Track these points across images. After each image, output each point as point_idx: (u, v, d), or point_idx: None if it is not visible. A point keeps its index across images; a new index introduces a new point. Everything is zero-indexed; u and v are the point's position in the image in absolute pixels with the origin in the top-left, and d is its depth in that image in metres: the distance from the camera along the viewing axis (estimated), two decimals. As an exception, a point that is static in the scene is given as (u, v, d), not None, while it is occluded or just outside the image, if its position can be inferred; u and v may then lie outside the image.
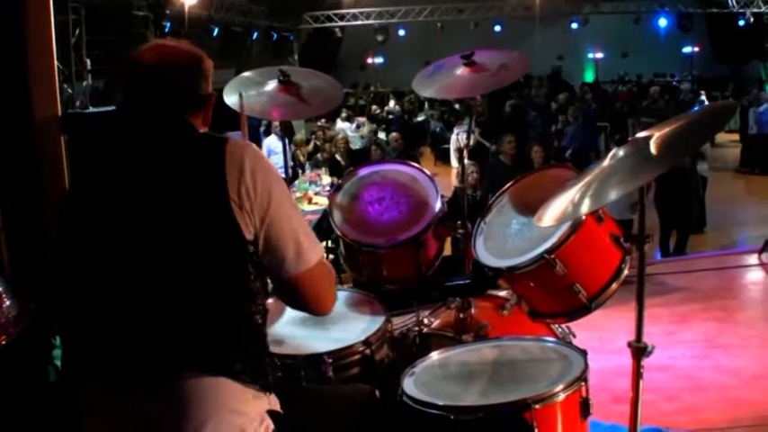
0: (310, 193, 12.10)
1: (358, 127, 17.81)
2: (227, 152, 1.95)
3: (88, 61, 10.22)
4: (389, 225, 3.19)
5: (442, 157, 16.67)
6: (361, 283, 3.32)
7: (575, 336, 3.22)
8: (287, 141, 14.35)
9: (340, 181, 3.40)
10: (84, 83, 9.96)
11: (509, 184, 3.12)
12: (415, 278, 3.25)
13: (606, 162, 2.36)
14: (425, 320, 3.24)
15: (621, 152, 2.34)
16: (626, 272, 2.82)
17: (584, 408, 2.36)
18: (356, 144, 16.29)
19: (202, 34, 16.32)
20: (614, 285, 2.79)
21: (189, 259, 1.91)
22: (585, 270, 2.75)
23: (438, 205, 3.19)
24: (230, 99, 3.23)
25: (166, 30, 13.35)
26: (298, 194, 11.84)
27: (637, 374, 2.45)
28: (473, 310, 3.20)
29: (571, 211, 2.31)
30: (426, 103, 19.81)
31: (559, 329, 3.20)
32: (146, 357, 1.91)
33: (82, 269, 2.00)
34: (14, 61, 3.45)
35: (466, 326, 3.11)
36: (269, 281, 2.10)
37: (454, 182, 8.82)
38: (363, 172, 3.40)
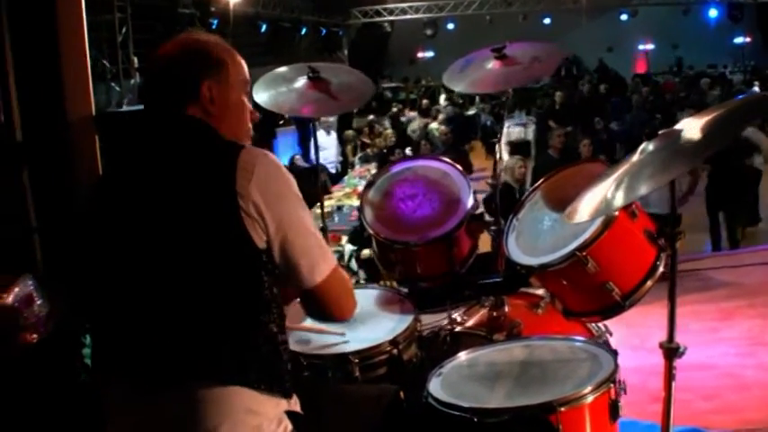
0: (359, 188, 12.08)
1: (408, 122, 17.79)
2: (239, 160, 1.92)
3: (135, 59, 10.34)
4: (421, 222, 3.15)
5: (493, 151, 16.49)
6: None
7: (611, 334, 3.13)
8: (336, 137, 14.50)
9: (371, 178, 3.36)
10: (132, 81, 10.08)
11: (541, 180, 3.05)
12: (449, 275, 3.21)
13: (636, 156, 2.29)
14: (458, 319, 3.20)
15: (651, 146, 2.27)
16: (661, 269, 2.73)
17: (614, 410, 2.30)
18: (406, 139, 16.24)
19: (250, 31, 16.40)
20: (649, 283, 2.70)
21: (198, 268, 1.89)
22: (618, 267, 2.67)
23: (470, 202, 3.13)
24: (260, 97, 3.21)
25: (213, 27, 13.45)
26: (347, 190, 11.84)
27: (669, 376, 2.37)
28: (506, 309, 3.14)
29: (603, 206, 2.25)
30: (477, 97, 19.68)
31: (596, 328, 3.12)
32: (158, 365, 1.91)
33: (97, 274, 2.01)
34: (48, 62, 3.48)
35: (498, 325, 3.06)
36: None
37: (503, 176, 8.69)
38: (395, 168, 3.37)
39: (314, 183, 11.77)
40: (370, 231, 3.17)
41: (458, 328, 3.09)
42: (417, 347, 2.85)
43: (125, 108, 3.67)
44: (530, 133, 15.76)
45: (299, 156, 15.51)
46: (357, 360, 2.63)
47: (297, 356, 2.64)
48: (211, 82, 2.04)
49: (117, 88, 9.92)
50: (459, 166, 3.28)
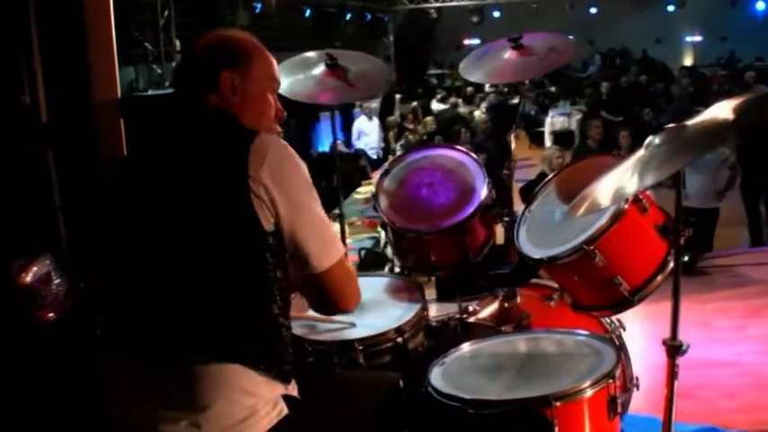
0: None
1: (440, 111, 17.69)
2: (253, 144, 1.97)
3: (177, 42, 10.43)
4: (435, 211, 3.16)
5: (537, 140, 16.41)
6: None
7: (624, 329, 3.11)
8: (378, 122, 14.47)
9: (388, 166, 3.37)
10: (174, 63, 10.17)
11: (555, 172, 3.04)
12: (462, 265, 3.21)
13: (642, 150, 2.28)
14: (471, 309, 3.20)
15: (657, 140, 2.26)
16: (672, 265, 2.70)
17: (612, 406, 2.28)
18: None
19: (294, 15, 16.43)
20: (659, 278, 2.66)
21: (205, 246, 1.94)
22: (627, 262, 2.64)
23: (484, 192, 3.12)
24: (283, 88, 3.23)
25: (257, 11, 13.52)
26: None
27: (671, 374, 2.36)
28: (518, 300, 3.13)
29: (601, 200, 2.24)
30: (523, 85, 19.45)
31: (608, 322, 3.10)
32: (160, 338, 1.97)
33: (114, 249, 2.10)
34: (74, 44, 3.54)
35: (509, 316, 3.05)
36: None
37: (541, 166, 8.58)
38: (412, 157, 3.37)
39: (353, 168, 11.84)
40: (384, 219, 3.18)
41: (469, 319, 3.08)
42: (424, 337, 2.85)
43: (150, 92, 3.69)
44: (573, 123, 15.62)
45: (340, 141, 15.58)
46: (361, 347, 2.64)
47: (301, 341, 2.67)
48: (233, 73, 2.10)
49: (158, 70, 10.02)
50: (474, 156, 3.26)
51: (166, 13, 10.01)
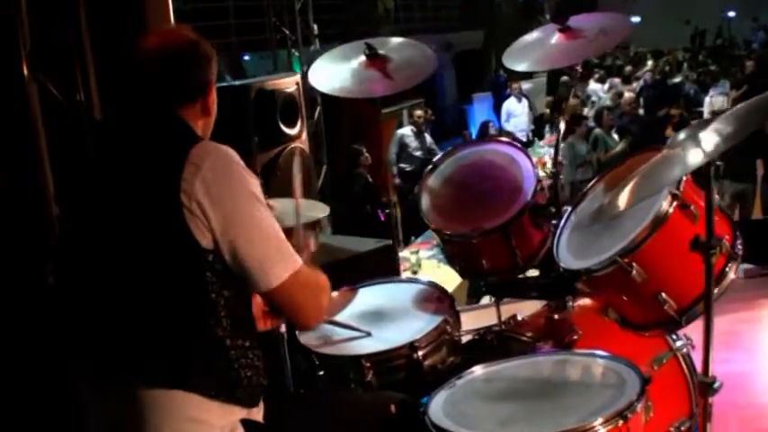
0: (546, 158, 11.71)
1: (610, 88, 16.86)
2: (189, 154, 1.83)
3: (315, 26, 10.46)
4: (478, 212, 2.88)
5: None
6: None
7: (693, 347, 2.70)
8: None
9: (436, 161, 3.12)
10: (312, 47, 10.22)
11: (607, 169, 2.68)
12: (512, 271, 2.93)
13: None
14: (519, 319, 2.91)
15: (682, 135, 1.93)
16: (732, 277, 2.30)
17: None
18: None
19: (443, -4, 16.23)
20: (715, 292, 2.28)
21: (141, 264, 1.84)
22: (672, 277, 2.28)
23: (532, 191, 2.82)
24: (315, 79, 3.07)
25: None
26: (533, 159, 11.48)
27: (704, 414, 1.99)
28: (571, 312, 2.81)
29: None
30: (685, 64, 18.27)
31: (674, 337, 2.71)
32: (106, 362, 1.89)
33: (64, 263, 2.02)
34: (128, 40, 3.51)
35: (555, 330, 2.74)
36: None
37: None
38: (462, 152, 3.11)
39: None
40: (426, 221, 2.95)
41: (510, 332, 2.80)
42: (449, 352, 2.59)
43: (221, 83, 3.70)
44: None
45: (491, 122, 15.28)
46: (369, 364, 2.43)
47: (309, 354, 2.52)
48: (213, 80, 2.03)
49: (296, 54, 10.10)
50: (527, 152, 2.95)
51: (303, -4, 10.04)
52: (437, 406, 2.18)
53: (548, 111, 15.22)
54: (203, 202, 1.79)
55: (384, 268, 3.56)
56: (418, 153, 10.96)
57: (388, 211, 7.77)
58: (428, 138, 11.90)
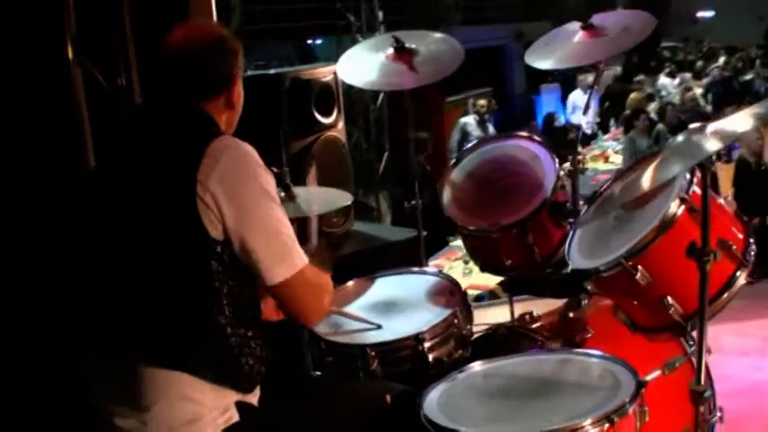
0: (609, 151, 11.53)
1: (680, 83, 16.46)
2: (209, 148, 1.90)
3: (380, 13, 10.48)
4: (497, 207, 2.89)
5: (769, 120, 14.76)
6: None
7: (709, 351, 2.66)
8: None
9: (460, 155, 3.13)
10: (376, 33, 10.24)
11: (628, 167, 2.65)
12: (532, 268, 2.93)
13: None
14: (534, 315, 2.91)
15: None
16: (742, 282, 2.26)
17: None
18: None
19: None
20: (724, 298, 2.25)
21: (151, 249, 1.92)
22: (679, 281, 2.24)
23: (551, 188, 2.81)
24: (343, 71, 3.10)
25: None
26: (595, 152, 11.29)
27: (696, 423, 1.97)
28: (586, 311, 2.80)
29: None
30: (758, 61, 17.66)
31: (692, 342, 2.66)
32: (109, 337, 1.99)
33: (79, 248, 2.11)
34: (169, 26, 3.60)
35: (567, 329, 2.73)
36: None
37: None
38: (486, 146, 3.11)
39: (562, 142, 11.43)
40: (447, 214, 2.96)
41: (519, 328, 2.80)
42: (457, 346, 2.60)
43: (249, 72, 3.72)
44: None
45: (556, 114, 15.11)
46: (374, 353, 2.47)
47: (318, 341, 2.57)
48: (238, 73, 2.08)
49: (361, 41, 10.13)
50: (549, 148, 2.93)
51: (368, -17, 10.06)
52: (434, 398, 2.20)
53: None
54: (218, 195, 1.86)
55: (411, 258, 3.58)
56: (480, 142, 10.87)
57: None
58: (491, 127, 11.86)
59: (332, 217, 4.04)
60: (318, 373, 2.66)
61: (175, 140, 1.98)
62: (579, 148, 2.93)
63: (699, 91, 13.96)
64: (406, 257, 3.70)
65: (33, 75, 3.35)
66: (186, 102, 2.01)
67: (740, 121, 1.86)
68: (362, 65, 3.10)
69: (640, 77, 16.43)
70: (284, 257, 1.94)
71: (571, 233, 2.60)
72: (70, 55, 3.44)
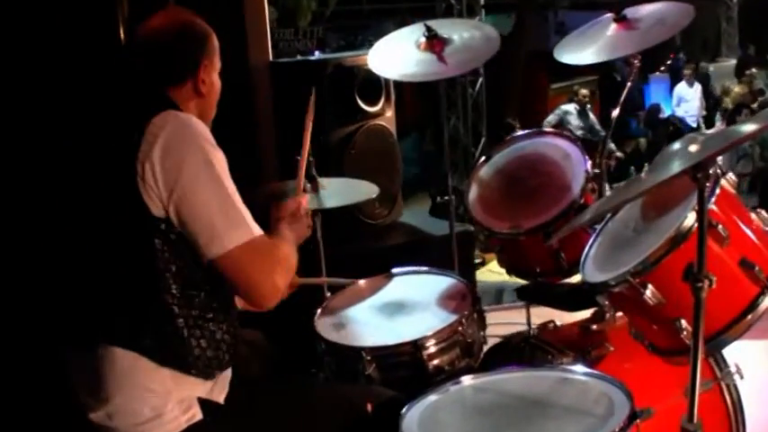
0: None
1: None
2: (150, 123, 1.88)
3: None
4: (521, 209, 2.73)
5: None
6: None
7: (742, 376, 2.43)
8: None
9: (490, 151, 2.97)
10: (477, 17, 10.02)
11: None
12: (555, 274, 2.76)
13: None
14: (556, 325, 2.74)
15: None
16: (764, 308, 2.04)
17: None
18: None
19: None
20: (741, 324, 2.04)
21: (96, 229, 1.93)
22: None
23: (579, 191, 2.62)
24: (373, 63, 3.00)
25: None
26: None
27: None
28: (609, 324, 2.61)
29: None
30: None
31: (724, 365, 2.45)
32: (73, 327, 2.01)
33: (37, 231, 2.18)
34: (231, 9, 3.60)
35: (587, 342, 2.55)
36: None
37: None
38: (518, 143, 2.94)
39: (662, 135, 10.97)
40: (470, 214, 2.82)
41: (535, 339, 2.64)
42: (464, 353, 2.47)
43: (299, 58, 3.65)
44: None
45: (661, 105, 14.57)
46: (369, 357, 2.37)
47: (318, 339, 2.50)
48: (206, 61, 2.06)
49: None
50: (581, 148, 2.74)
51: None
52: (417, 411, 2.08)
53: (722, 97, 14.21)
54: (156, 169, 1.84)
55: (448, 255, 3.46)
56: (579, 132, 10.77)
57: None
58: (592, 116, 11.55)
59: (374, 208, 3.94)
60: (316, 372, 2.58)
61: (120, 120, 1.98)
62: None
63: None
64: (443, 253, 3.56)
65: (87, 58, 3.41)
66: (151, 85, 2.01)
67: None
68: (395, 54, 2.99)
69: (752, 71, 15.54)
70: (226, 228, 1.87)
71: (591, 241, 2.42)
72: (122, 37, 3.48)
